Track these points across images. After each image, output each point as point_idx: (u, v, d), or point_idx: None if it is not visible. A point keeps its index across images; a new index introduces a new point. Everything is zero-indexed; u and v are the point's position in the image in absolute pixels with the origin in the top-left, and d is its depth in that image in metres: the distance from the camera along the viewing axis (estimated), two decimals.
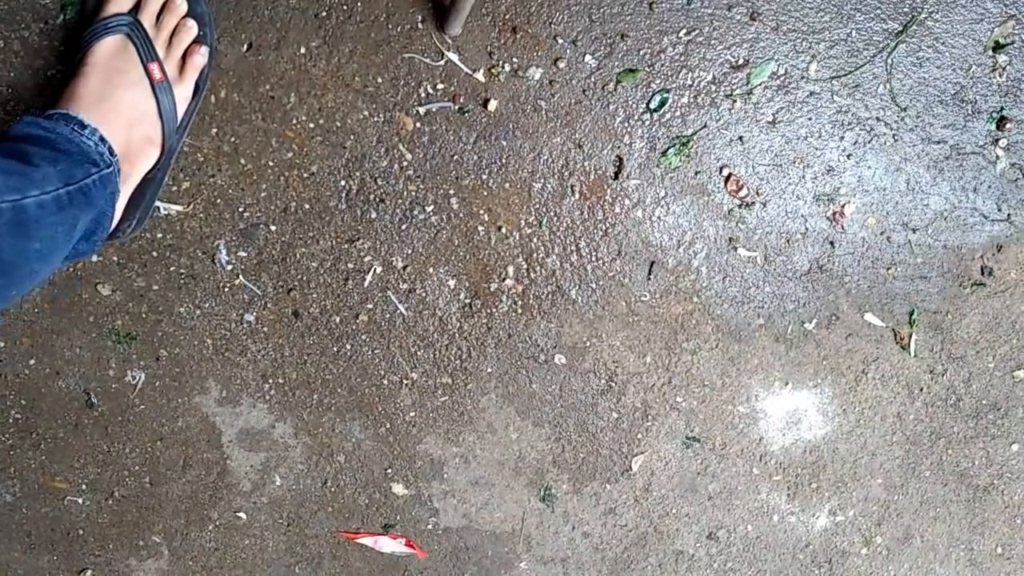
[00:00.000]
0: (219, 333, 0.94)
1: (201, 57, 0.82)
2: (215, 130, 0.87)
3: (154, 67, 0.78)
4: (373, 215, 0.92)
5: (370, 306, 0.95)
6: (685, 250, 0.96)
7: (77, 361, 0.93)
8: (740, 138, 0.93)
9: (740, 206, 0.95)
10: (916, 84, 0.93)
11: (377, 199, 0.91)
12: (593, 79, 0.90)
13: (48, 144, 0.70)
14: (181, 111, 0.82)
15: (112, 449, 0.98)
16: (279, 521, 1.02)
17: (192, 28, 0.82)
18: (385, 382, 0.98)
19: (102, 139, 0.74)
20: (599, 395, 1.00)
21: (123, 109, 0.77)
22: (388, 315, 0.95)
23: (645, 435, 1.02)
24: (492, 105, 0.89)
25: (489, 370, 0.98)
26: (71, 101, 0.76)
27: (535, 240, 0.94)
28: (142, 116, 0.78)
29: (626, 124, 0.91)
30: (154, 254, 0.90)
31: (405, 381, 0.98)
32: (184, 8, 0.81)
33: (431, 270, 0.94)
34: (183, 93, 0.82)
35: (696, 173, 0.94)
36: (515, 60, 0.88)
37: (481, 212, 0.93)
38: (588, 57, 0.89)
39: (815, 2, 0.90)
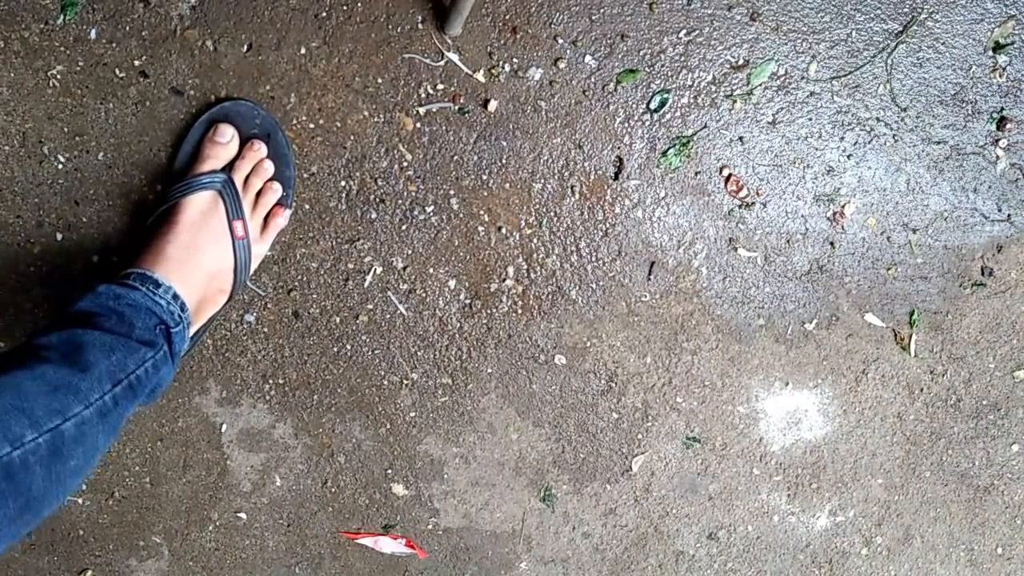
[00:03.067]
0: (219, 333, 0.94)
1: (283, 219, 0.87)
2: None
3: (238, 225, 0.82)
4: (373, 215, 0.92)
5: (370, 306, 0.95)
6: (685, 250, 0.96)
7: None
8: (740, 138, 0.93)
9: (740, 206, 0.95)
10: (916, 84, 0.93)
11: (377, 199, 0.91)
12: (593, 79, 0.90)
13: (115, 320, 0.71)
14: (254, 266, 0.86)
15: (112, 449, 0.98)
16: (279, 521, 1.02)
17: (277, 191, 0.86)
18: (385, 382, 0.98)
19: (175, 296, 0.76)
20: (599, 395, 1.00)
21: (203, 266, 0.80)
22: (388, 315, 0.95)
23: (645, 435, 1.02)
24: (492, 105, 0.89)
25: (489, 370, 0.98)
26: (156, 262, 0.78)
27: (535, 240, 0.94)
28: (219, 271, 0.82)
29: (626, 124, 0.91)
30: None
31: (405, 381, 0.98)
32: (271, 171, 0.85)
33: (431, 270, 0.94)
34: (260, 250, 0.87)
35: (696, 173, 0.94)
36: (515, 60, 0.88)
37: (481, 212, 0.93)
38: (588, 57, 0.89)
39: (815, 2, 0.90)
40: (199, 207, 0.81)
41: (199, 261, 0.80)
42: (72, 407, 0.62)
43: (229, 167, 0.84)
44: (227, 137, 0.83)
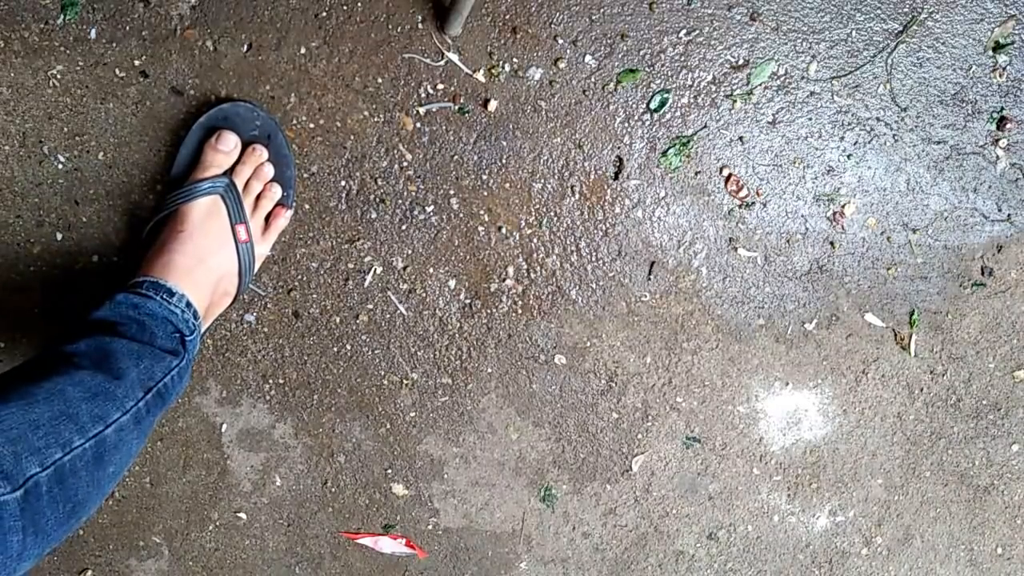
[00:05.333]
0: (219, 333, 0.94)
1: (284, 220, 0.88)
2: None
3: (241, 229, 0.83)
4: (373, 215, 0.92)
5: (370, 306, 0.95)
6: (685, 250, 0.96)
7: None
8: (740, 138, 0.93)
9: (740, 206, 0.95)
10: (916, 84, 0.93)
11: (377, 199, 0.91)
12: (593, 79, 0.90)
13: (136, 329, 0.72)
14: (258, 266, 0.87)
15: None
16: (279, 521, 1.02)
17: (277, 192, 0.86)
18: (385, 382, 0.98)
19: (188, 305, 0.77)
20: (599, 395, 1.00)
21: (211, 272, 0.81)
22: (388, 315, 0.95)
23: (645, 435, 1.02)
24: (492, 105, 0.89)
25: (489, 370, 0.98)
26: (166, 270, 0.79)
27: (535, 240, 0.94)
28: (225, 276, 0.83)
29: (626, 124, 0.91)
30: None
31: (405, 381, 0.98)
32: (272, 174, 0.86)
33: (431, 270, 0.94)
34: (263, 251, 0.87)
35: (696, 173, 0.94)
36: (515, 60, 0.88)
37: (481, 212, 0.93)
38: (588, 57, 0.89)
39: (815, 2, 0.90)
40: (202, 213, 0.81)
41: (206, 268, 0.80)
42: (112, 413, 0.64)
43: (230, 170, 0.84)
44: (230, 146, 0.83)
